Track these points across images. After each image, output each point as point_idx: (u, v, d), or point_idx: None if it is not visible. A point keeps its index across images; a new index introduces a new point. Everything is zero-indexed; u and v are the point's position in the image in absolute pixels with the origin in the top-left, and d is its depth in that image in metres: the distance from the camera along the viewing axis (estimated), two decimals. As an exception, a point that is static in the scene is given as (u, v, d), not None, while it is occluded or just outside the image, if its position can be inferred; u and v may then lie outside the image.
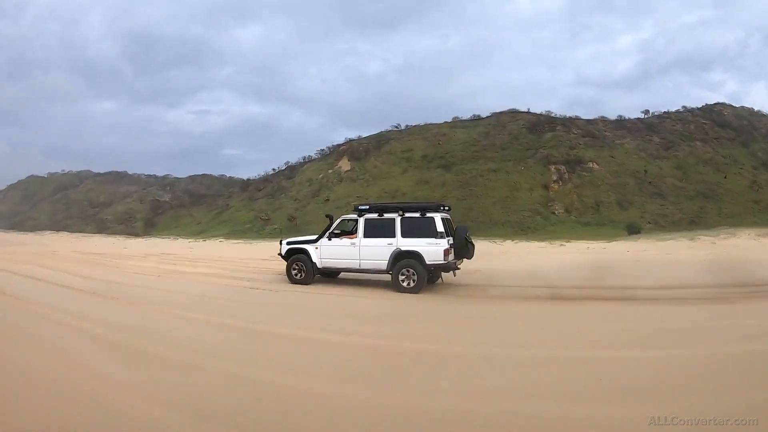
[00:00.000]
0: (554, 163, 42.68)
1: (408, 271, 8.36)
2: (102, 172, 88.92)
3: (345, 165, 46.86)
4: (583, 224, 36.85)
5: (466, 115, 53.28)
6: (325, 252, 9.21)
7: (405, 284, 8.33)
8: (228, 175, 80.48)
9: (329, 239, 9.24)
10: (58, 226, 64.39)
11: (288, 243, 9.75)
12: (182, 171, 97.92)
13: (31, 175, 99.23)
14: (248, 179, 54.17)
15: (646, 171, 42.21)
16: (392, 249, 8.56)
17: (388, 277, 8.76)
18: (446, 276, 9.28)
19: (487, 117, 52.19)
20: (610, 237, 31.05)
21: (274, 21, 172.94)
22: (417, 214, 8.66)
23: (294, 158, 53.71)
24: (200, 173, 79.17)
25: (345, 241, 9.11)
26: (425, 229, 8.48)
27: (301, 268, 9.31)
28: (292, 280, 9.34)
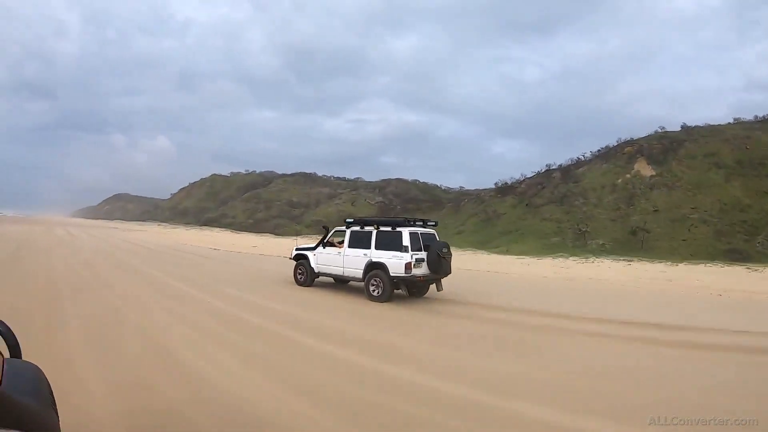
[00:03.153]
0: None
1: (376, 280, 9.02)
2: (289, 173, 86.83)
3: (644, 169, 44.14)
4: None
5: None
6: (320, 259, 10.33)
7: (374, 293, 8.97)
8: (420, 180, 77.31)
9: (324, 247, 10.31)
10: (264, 227, 62.76)
11: (296, 249, 11.04)
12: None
13: (214, 174, 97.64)
14: (502, 183, 51.31)
15: None
16: (366, 260, 9.28)
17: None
18: None
19: (770, 116, 48.68)
20: None
21: (428, 30, 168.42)
22: (389, 228, 9.18)
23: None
24: (393, 177, 76.64)
25: (334, 249, 10.08)
26: (394, 243, 8.96)
27: (303, 272, 10.57)
28: (297, 282, 10.66)
